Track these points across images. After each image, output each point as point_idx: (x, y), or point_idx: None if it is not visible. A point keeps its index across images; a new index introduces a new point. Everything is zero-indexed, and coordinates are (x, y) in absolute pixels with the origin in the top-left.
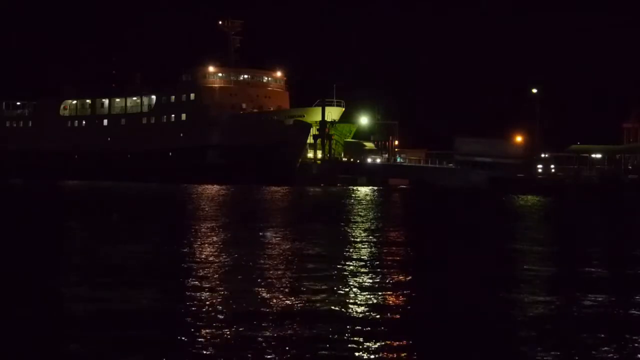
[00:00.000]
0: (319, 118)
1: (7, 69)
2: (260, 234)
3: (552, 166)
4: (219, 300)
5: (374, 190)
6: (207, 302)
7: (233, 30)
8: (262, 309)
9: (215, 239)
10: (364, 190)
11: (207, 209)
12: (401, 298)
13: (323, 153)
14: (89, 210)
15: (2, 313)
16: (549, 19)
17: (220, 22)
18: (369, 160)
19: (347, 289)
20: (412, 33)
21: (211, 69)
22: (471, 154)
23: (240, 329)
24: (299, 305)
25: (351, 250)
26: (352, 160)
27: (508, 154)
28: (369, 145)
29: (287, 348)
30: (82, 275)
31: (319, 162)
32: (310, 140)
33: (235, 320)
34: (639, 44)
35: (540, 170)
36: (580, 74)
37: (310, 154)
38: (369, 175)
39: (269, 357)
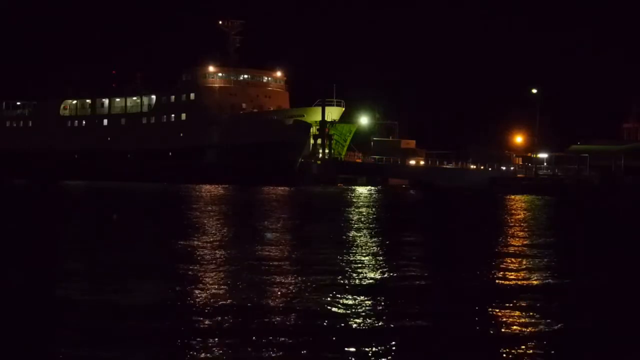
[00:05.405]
0: (319, 118)
1: (7, 69)
2: (260, 234)
3: None
4: (218, 301)
5: (376, 190)
6: (206, 303)
7: (233, 30)
8: (261, 317)
9: (214, 240)
10: (364, 190)
11: (206, 209)
12: (404, 304)
13: (323, 153)
14: (89, 210)
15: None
16: (548, 19)
17: (220, 22)
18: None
19: (347, 296)
20: (412, 32)
21: (211, 68)
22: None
23: (240, 335)
24: (299, 307)
25: (351, 252)
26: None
27: None
28: None
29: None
30: (81, 276)
31: (319, 162)
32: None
33: (234, 324)
34: (638, 43)
35: None
36: (580, 73)
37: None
38: (369, 175)
39: None
